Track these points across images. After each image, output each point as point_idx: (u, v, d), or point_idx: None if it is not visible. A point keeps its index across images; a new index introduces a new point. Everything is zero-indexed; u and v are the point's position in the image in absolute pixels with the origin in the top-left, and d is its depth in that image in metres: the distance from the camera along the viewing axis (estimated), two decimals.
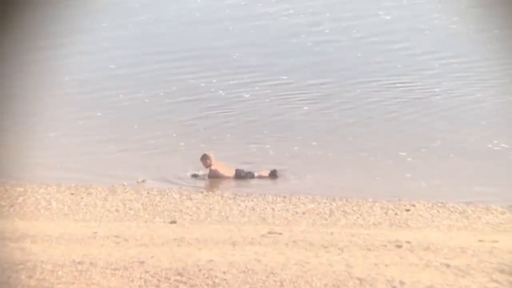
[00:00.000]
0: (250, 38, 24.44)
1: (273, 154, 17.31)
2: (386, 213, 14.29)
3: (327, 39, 24.07)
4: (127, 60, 22.88)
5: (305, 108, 19.58)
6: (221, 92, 20.52)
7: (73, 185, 15.81)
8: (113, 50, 23.61)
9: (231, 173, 16.49)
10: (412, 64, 21.97)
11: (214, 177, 16.43)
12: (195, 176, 16.45)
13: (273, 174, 16.33)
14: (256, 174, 16.42)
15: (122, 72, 22.04)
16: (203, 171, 16.54)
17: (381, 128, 18.49)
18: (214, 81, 21.13)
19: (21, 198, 15.00)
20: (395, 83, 20.82)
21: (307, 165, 16.71)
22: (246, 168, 16.61)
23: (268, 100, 20.08)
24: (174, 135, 18.25)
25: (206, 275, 10.22)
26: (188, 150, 17.44)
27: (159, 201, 14.97)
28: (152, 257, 10.84)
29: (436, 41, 23.59)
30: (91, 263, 10.61)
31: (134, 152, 17.43)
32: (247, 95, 20.34)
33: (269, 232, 12.36)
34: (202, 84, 21.02)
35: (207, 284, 10.00)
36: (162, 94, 20.54)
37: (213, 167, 16.45)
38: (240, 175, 16.45)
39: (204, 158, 16.44)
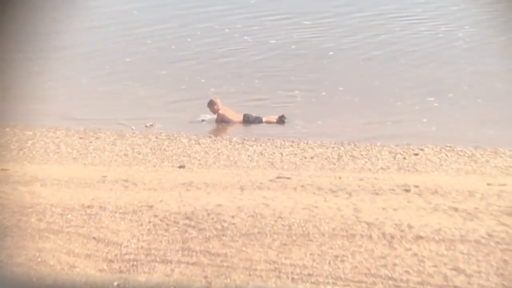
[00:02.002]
0: None
1: (300, 100, 17.24)
2: (394, 157, 14.29)
3: None
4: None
5: (331, 53, 19.45)
6: (246, 37, 20.38)
7: (82, 129, 15.83)
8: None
9: (239, 118, 16.49)
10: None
11: (222, 121, 16.45)
12: (203, 120, 16.47)
13: (281, 120, 16.32)
14: (264, 119, 16.41)
15: (138, 18, 21.99)
16: (211, 116, 16.55)
17: (400, 72, 18.40)
18: (238, 26, 20.96)
19: (30, 142, 15.04)
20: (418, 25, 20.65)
21: (317, 110, 16.70)
22: (254, 113, 16.59)
23: (294, 47, 19.96)
24: (201, 80, 18.16)
25: (214, 219, 10.27)
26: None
27: (168, 146, 14.98)
28: (160, 201, 10.89)
29: None
30: (100, 207, 10.67)
31: (144, 97, 17.41)
32: (273, 41, 20.23)
33: (278, 177, 12.38)
34: (226, 30, 20.89)
35: (216, 228, 10.05)
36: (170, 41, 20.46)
37: (221, 111, 16.47)
38: (248, 120, 16.45)
39: (211, 104, 16.47)
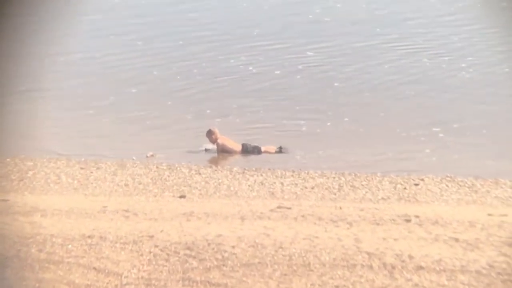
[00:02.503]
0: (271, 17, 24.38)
1: (305, 129, 17.25)
2: (395, 188, 14.29)
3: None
4: (139, 40, 22.91)
5: (336, 84, 19.49)
6: (250, 68, 20.44)
7: (83, 159, 15.84)
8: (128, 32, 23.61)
9: (238, 147, 16.52)
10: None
11: (223, 151, 16.46)
12: (206, 150, 16.49)
13: (280, 150, 16.34)
14: (262, 149, 16.42)
15: (137, 49, 22.07)
16: (212, 146, 16.59)
17: (405, 103, 18.43)
18: (243, 58, 21.02)
19: (31, 172, 15.05)
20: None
21: (318, 140, 16.72)
22: (255, 142, 16.61)
23: (299, 77, 20.01)
24: (207, 110, 18.21)
25: (215, 250, 10.25)
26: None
27: (168, 176, 15.00)
28: (161, 231, 10.88)
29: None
30: (101, 237, 10.66)
31: (145, 128, 17.43)
32: (278, 71, 20.31)
33: (278, 207, 12.38)
34: (232, 61, 20.98)
35: (216, 259, 10.03)
36: (175, 71, 20.53)
37: (219, 141, 16.49)
38: (247, 150, 16.47)
39: (209, 133, 16.50)
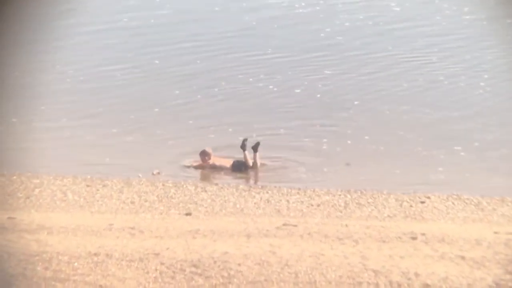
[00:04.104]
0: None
1: (326, 148, 17.22)
2: (401, 205, 14.28)
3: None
4: (142, 50, 22.92)
5: (356, 102, 19.46)
6: (271, 87, 20.42)
7: (89, 177, 15.86)
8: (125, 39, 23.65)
9: (229, 163, 16.51)
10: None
11: (210, 168, 16.44)
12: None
13: (253, 148, 16.35)
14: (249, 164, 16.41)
15: (136, 63, 22.08)
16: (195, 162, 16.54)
17: (425, 121, 18.40)
18: (262, 76, 21.00)
19: (37, 190, 15.07)
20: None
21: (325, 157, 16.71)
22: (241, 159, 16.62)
23: (319, 96, 19.99)
24: (229, 129, 18.24)
25: (221, 267, 10.25)
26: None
27: (174, 193, 15.00)
28: (167, 248, 10.88)
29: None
30: (107, 255, 10.66)
31: (151, 145, 17.44)
32: (298, 90, 20.30)
33: (284, 224, 12.38)
34: (250, 79, 20.98)
35: (222, 276, 10.03)
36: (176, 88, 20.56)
37: (211, 162, 16.44)
38: (238, 167, 16.44)
39: (203, 154, 16.43)
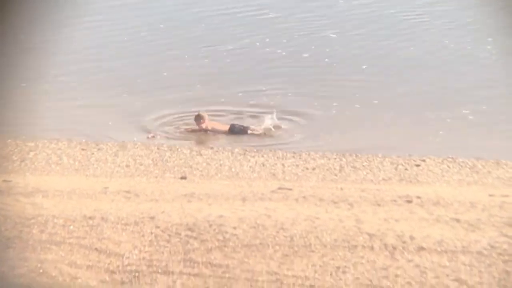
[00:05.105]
0: None
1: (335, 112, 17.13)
2: (396, 168, 14.29)
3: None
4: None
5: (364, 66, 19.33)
6: (279, 51, 20.31)
7: (84, 140, 15.84)
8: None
9: (225, 127, 16.47)
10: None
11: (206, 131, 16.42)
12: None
13: (265, 133, 16.26)
14: (249, 131, 16.35)
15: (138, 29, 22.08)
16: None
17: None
18: (267, 39, 20.91)
19: (32, 153, 15.04)
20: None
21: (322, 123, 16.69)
22: (240, 123, 16.58)
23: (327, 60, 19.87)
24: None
25: (216, 230, 10.27)
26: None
27: (169, 157, 14.99)
28: (162, 212, 10.90)
29: None
30: (102, 218, 10.68)
31: (146, 108, 17.40)
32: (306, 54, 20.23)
33: (279, 188, 12.39)
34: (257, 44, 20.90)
35: (218, 239, 10.05)
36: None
37: (204, 125, 16.38)
38: (234, 131, 16.41)
39: (198, 118, 16.37)
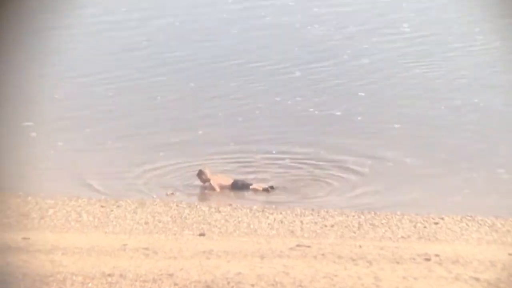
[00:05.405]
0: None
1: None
2: (414, 226, 14.26)
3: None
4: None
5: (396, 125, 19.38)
6: (312, 109, 20.38)
7: (103, 197, 15.91)
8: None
9: (229, 182, 16.52)
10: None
11: (212, 189, 16.48)
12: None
13: (267, 190, 16.27)
14: (251, 187, 16.39)
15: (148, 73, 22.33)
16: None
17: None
18: (289, 103, 21.02)
19: (51, 211, 15.12)
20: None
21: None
22: (243, 178, 16.63)
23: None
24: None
25: None
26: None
27: (188, 214, 15.03)
28: (181, 269, 10.90)
29: None
30: (121, 275, 10.69)
31: (165, 167, 17.48)
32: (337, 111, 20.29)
33: (298, 245, 12.38)
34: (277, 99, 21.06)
35: None
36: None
37: (212, 182, 16.46)
38: (237, 186, 16.46)
39: (200, 174, 16.46)
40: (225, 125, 19.31)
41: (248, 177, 16.66)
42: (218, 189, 16.45)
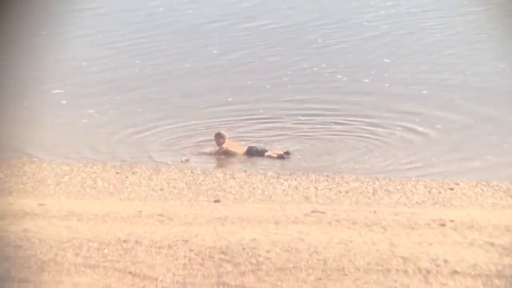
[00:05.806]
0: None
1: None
2: (429, 192, 14.24)
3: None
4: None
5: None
6: (339, 76, 20.36)
7: (118, 164, 15.96)
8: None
9: (243, 149, 16.52)
10: None
11: (225, 154, 16.45)
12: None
13: (282, 156, 16.24)
14: (266, 154, 16.37)
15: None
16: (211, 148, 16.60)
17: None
18: (305, 65, 21.00)
19: (67, 177, 15.18)
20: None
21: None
22: (259, 146, 16.62)
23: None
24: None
25: (249, 254, 10.29)
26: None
27: (203, 180, 15.06)
28: (196, 235, 10.93)
29: None
30: (136, 242, 10.73)
31: (180, 131, 17.50)
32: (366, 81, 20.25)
33: (312, 211, 12.39)
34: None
35: (251, 263, 10.07)
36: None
37: (224, 146, 16.46)
38: (251, 153, 16.45)
39: (218, 137, 16.45)
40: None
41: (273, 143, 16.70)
42: (231, 151, 16.44)
